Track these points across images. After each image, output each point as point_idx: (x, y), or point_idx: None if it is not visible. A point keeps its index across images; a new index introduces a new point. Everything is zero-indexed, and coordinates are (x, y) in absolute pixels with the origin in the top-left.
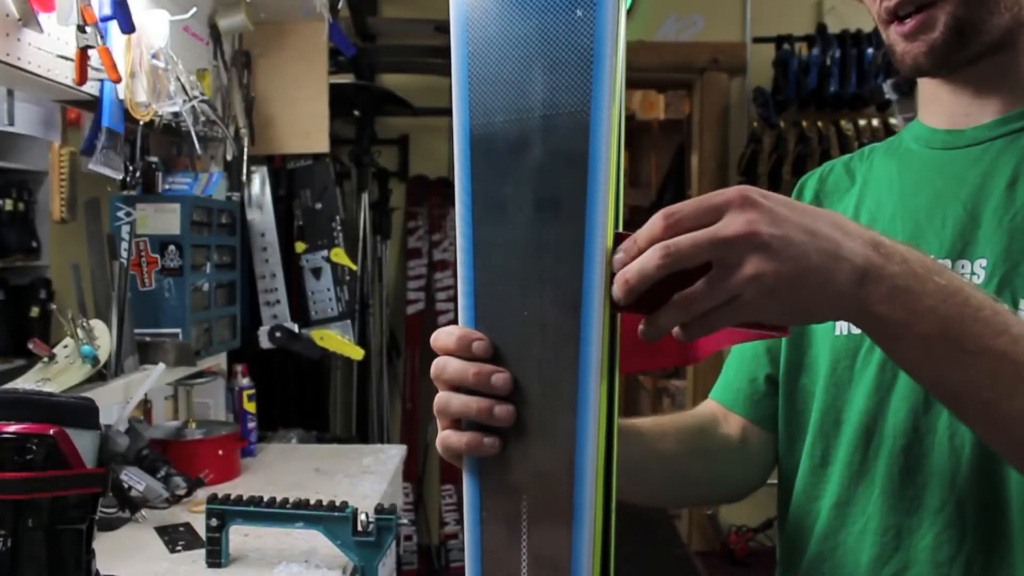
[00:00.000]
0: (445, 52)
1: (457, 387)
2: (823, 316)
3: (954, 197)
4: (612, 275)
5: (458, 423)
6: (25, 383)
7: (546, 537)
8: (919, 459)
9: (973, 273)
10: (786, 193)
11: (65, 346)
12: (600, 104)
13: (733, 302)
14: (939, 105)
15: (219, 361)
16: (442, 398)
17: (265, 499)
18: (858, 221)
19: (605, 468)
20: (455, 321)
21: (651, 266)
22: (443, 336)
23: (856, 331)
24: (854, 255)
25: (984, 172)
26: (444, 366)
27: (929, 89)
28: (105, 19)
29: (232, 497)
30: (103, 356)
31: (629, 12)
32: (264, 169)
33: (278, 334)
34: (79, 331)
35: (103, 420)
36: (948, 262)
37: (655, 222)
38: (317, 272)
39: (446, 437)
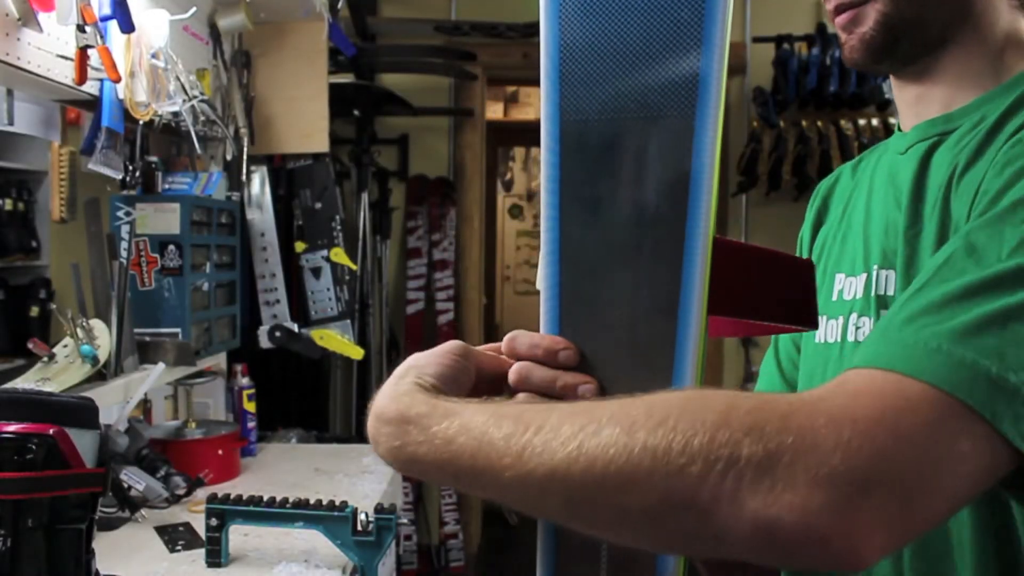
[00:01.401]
0: (445, 52)
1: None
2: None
3: (896, 205)
4: (710, 280)
5: None
6: (25, 383)
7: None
8: None
9: (898, 285)
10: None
11: (65, 346)
12: (707, 110)
13: None
14: (899, 104)
15: (219, 361)
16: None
17: (265, 499)
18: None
19: None
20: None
21: None
22: (523, 345)
23: (830, 340)
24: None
25: (910, 179)
26: (528, 375)
27: (893, 87)
28: (105, 19)
29: (232, 497)
30: (103, 356)
31: None
32: (264, 169)
33: (278, 334)
34: (79, 331)
35: (103, 420)
36: (890, 272)
37: None
38: (317, 272)
39: None
